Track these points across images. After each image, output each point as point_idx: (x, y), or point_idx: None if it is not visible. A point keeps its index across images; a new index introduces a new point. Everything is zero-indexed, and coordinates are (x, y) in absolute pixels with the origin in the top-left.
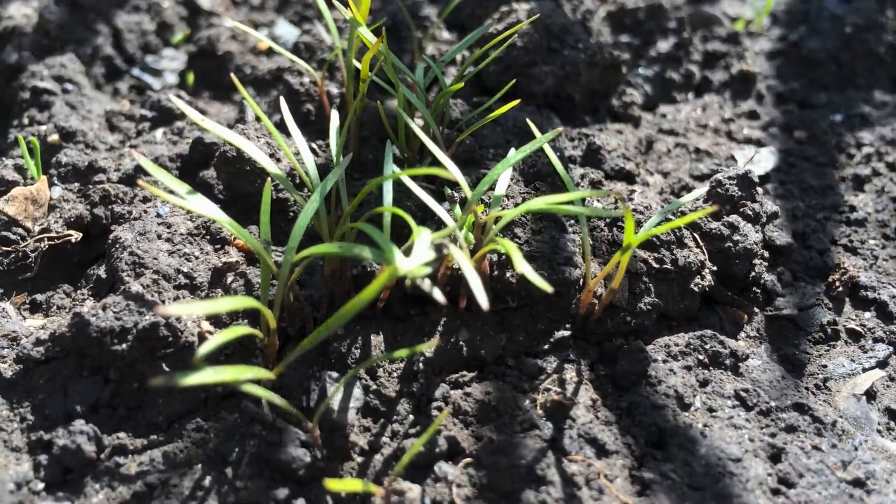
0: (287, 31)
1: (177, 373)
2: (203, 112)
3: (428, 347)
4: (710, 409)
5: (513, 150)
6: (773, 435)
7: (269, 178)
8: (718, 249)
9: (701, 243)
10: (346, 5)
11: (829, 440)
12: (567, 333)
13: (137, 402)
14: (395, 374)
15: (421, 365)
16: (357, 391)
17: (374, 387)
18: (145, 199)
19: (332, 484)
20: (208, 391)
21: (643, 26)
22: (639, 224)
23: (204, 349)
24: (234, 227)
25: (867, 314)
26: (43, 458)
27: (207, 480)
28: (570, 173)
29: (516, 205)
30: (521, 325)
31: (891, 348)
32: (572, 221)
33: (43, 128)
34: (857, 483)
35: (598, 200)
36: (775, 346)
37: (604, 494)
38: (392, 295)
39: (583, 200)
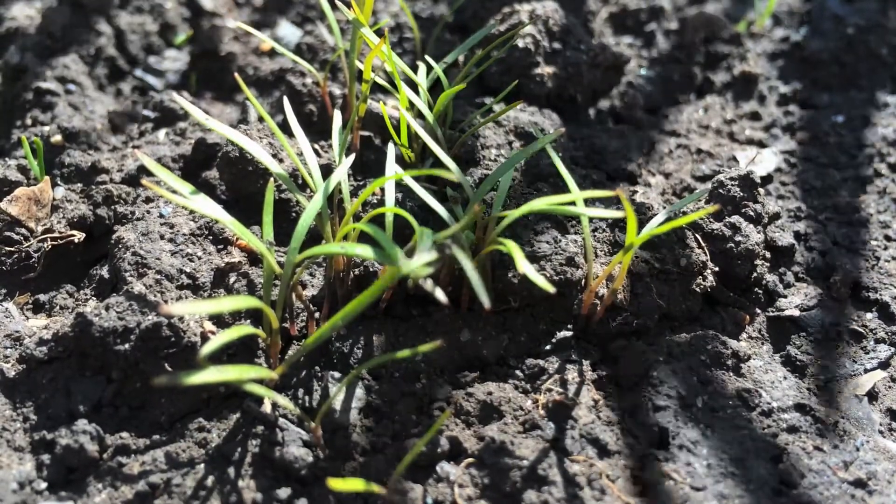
0: (289, 31)
1: (180, 372)
2: (205, 113)
3: (430, 348)
4: (712, 410)
5: (515, 150)
6: (774, 435)
7: (271, 179)
8: (720, 250)
9: (703, 244)
10: (349, 6)
11: (831, 441)
12: (569, 334)
13: (140, 402)
14: (397, 375)
15: (423, 365)
16: (359, 391)
17: (377, 387)
18: (148, 200)
19: (335, 483)
20: (211, 391)
21: (645, 27)
22: (640, 225)
23: (207, 349)
24: (237, 227)
25: (869, 315)
26: (46, 458)
27: (210, 480)
28: (572, 174)
29: (518, 205)
30: (523, 326)
31: (892, 349)
32: (574, 222)
33: (46, 128)
34: (859, 483)
35: (600, 201)
36: (777, 346)
37: (606, 495)
38: (394, 295)
39: (585, 201)
